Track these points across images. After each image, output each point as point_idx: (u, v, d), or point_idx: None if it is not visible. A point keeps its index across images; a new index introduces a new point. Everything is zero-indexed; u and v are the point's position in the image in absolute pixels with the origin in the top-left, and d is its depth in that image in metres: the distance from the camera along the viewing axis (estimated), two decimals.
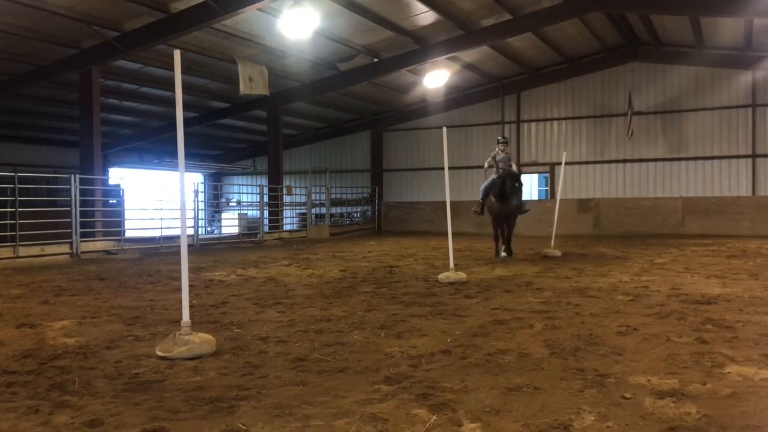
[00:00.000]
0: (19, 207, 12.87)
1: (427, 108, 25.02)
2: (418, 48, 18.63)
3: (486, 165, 12.98)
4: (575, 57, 22.62)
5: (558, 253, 13.03)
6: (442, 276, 9.26)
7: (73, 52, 15.48)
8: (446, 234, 10.10)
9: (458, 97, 24.53)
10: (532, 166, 24.49)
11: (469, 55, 20.35)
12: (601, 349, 4.85)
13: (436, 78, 21.30)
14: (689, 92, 22.12)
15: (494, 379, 4.12)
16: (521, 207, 12.74)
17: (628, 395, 3.72)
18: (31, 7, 12.74)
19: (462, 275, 9.24)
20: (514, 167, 12.82)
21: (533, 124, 24.44)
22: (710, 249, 14.39)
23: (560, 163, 15.22)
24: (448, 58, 19.72)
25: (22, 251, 12.51)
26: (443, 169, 10.17)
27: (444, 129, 9.90)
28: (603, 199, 22.15)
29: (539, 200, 24.39)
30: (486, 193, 12.73)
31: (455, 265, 9.58)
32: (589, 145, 23.54)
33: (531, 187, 25.70)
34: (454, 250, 9.83)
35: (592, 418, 3.37)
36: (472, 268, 10.80)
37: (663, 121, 22.51)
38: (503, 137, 13.39)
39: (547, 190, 24.81)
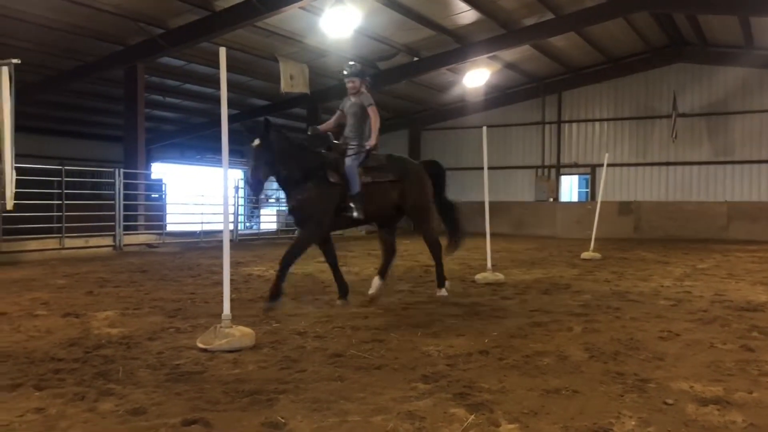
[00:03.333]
0: (65, 200, 13.20)
1: (466, 107, 24.89)
2: (459, 47, 18.55)
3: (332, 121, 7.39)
4: (619, 57, 22.26)
5: (597, 255, 12.84)
6: (479, 276, 9.21)
7: (119, 48, 15.81)
8: (483, 234, 10.04)
9: (498, 97, 24.34)
10: (573, 167, 24.20)
11: (510, 54, 20.19)
12: (642, 354, 4.77)
13: (476, 77, 21.18)
14: (736, 94, 21.58)
15: (532, 380, 4.09)
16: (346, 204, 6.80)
17: (670, 401, 3.65)
18: (81, 4, 13.06)
19: (499, 276, 9.19)
20: (372, 134, 7.09)
21: (574, 125, 24.12)
22: (756, 255, 14.01)
23: (601, 165, 14.99)
24: (488, 57, 19.59)
25: (68, 243, 12.84)
26: (481, 169, 10.12)
27: (484, 128, 9.84)
28: (644, 202, 21.75)
29: (579, 202, 24.08)
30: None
31: (492, 265, 9.52)
32: (631, 146, 23.14)
33: (571, 188, 25.41)
34: (491, 251, 9.77)
35: (633, 423, 3.31)
36: (509, 269, 10.72)
37: (708, 123, 22.00)
38: (348, 67, 7.18)
39: (587, 192, 24.47)
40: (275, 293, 6.44)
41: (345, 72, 7.16)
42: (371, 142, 7.07)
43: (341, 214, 6.80)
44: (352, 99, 7.18)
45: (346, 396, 3.75)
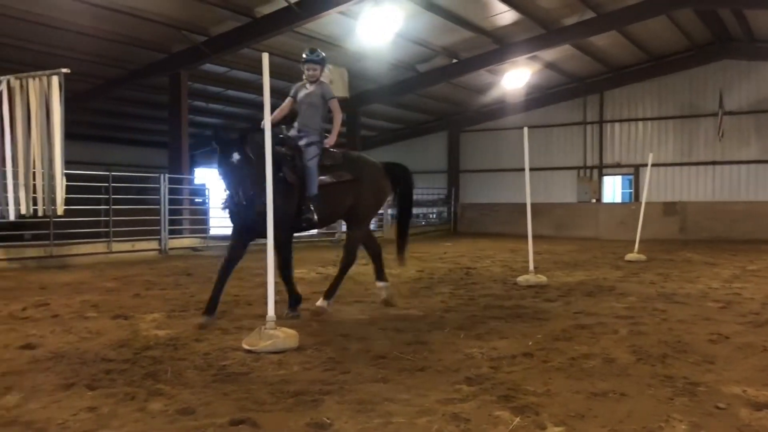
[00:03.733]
0: (112, 205, 13.52)
1: (506, 108, 24.69)
2: (498, 48, 18.42)
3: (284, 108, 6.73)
4: (662, 55, 21.82)
5: (642, 257, 12.60)
6: (521, 279, 9.13)
7: (163, 56, 16.14)
8: (523, 236, 9.96)
9: (538, 97, 24.09)
10: (616, 167, 23.80)
11: (550, 54, 19.96)
12: (691, 357, 4.67)
13: (515, 78, 21.00)
14: None
15: (578, 383, 4.04)
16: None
17: (722, 405, 3.57)
18: (126, 14, 13.38)
19: (542, 278, 9.09)
20: (332, 130, 6.71)
21: (617, 125, 23.72)
22: None
23: (645, 165, 14.71)
24: (528, 58, 19.41)
25: (115, 247, 13.15)
26: (521, 170, 10.04)
27: (525, 129, 9.76)
28: (690, 202, 21.24)
29: (623, 203, 23.67)
30: None
31: (535, 267, 9.43)
32: (676, 146, 22.65)
33: (614, 189, 24.99)
34: (533, 252, 9.67)
35: (684, 427, 3.25)
36: (552, 271, 10.59)
37: (756, 121, 21.38)
38: (309, 52, 6.51)
39: (631, 192, 24.03)
40: (295, 299, 6.47)
41: (306, 56, 6.47)
42: (331, 140, 6.57)
43: (296, 218, 6.27)
44: (309, 87, 6.50)
45: (391, 397, 3.76)
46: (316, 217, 6.25)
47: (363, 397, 3.76)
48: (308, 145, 6.35)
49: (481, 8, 15.97)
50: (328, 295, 6.80)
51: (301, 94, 6.52)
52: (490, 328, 5.82)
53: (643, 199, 14.19)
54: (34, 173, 10.07)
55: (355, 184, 6.59)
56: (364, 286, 8.83)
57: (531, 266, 9.36)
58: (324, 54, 6.58)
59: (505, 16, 16.51)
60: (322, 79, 6.60)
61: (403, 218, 7.63)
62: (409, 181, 7.45)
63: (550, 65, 21.18)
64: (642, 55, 21.51)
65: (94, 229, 13.28)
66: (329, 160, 6.49)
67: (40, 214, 10.33)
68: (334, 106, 6.55)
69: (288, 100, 6.61)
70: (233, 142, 5.78)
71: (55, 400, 3.71)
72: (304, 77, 6.58)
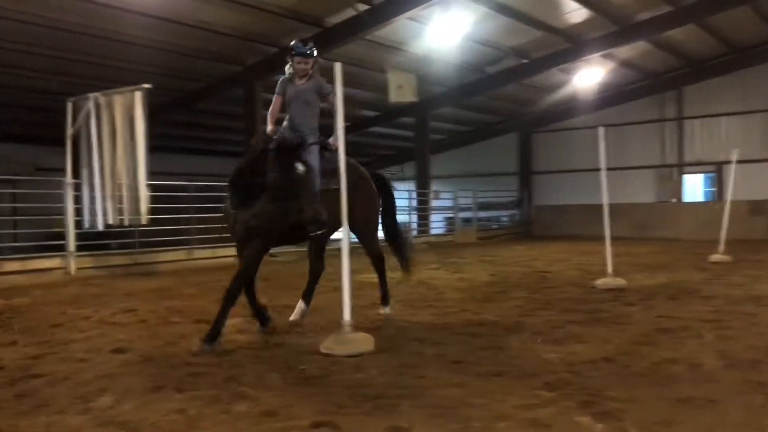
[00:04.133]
0: (193, 213, 14.01)
1: (579, 107, 24.15)
2: (570, 46, 18.06)
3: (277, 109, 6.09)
4: (745, 46, 20.83)
5: (728, 258, 12.06)
6: (599, 282, 8.91)
7: (238, 69, 16.62)
8: (600, 238, 9.71)
9: (612, 95, 23.45)
10: (697, 165, 22.89)
11: (625, 51, 19.40)
12: None
13: (588, 76, 20.53)
14: None
15: (662, 389, 3.92)
16: (316, 218, 5.65)
17: None
18: (201, 29, 13.86)
19: (621, 281, 8.84)
20: (338, 127, 5.87)
21: (697, 121, 22.80)
22: None
23: (729, 162, 14.09)
24: (601, 56, 18.94)
25: (196, 253, 13.61)
26: (596, 170, 9.80)
27: (600, 129, 9.53)
28: None
29: (705, 202, 22.73)
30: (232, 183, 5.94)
31: (613, 270, 9.17)
32: (762, 141, 21.55)
33: (695, 188, 24.03)
34: (611, 255, 9.40)
35: None
36: (631, 274, 10.26)
37: None
38: (300, 44, 5.95)
39: (713, 191, 23.05)
40: (215, 334, 5.27)
41: (298, 50, 5.80)
42: (334, 141, 5.87)
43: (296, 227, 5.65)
44: (301, 83, 5.87)
45: (468, 402, 3.75)
46: (324, 215, 5.61)
47: (440, 402, 3.77)
48: (311, 146, 5.82)
49: (552, 7, 15.71)
50: (385, 301, 6.98)
51: (292, 90, 5.89)
52: (568, 333, 5.71)
53: (728, 197, 13.60)
54: (119, 185, 10.60)
55: (354, 191, 5.83)
56: (436, 291, 8.82)
57: (609, 269, 9.12)
58: (314, 46, 5.92)
59: (577, 14, 16.18)
60: (315, 74, 6.00)
61: (392, 230, 7.19)
62: (391, 192, 7.11)
63: (624, 62, 20.59)
64: (723, 48, 20.62)
65: (176, 237, 13.79)
66: (330, 164, 5.82)
67: (125, 223, 10.86)
68: (332, 101, 5.83)
69: (277, 98, 5.95)
70: (294, 151, 5.36)
71: (146, 401, 3.88)
72: (289, 70, 5.92)
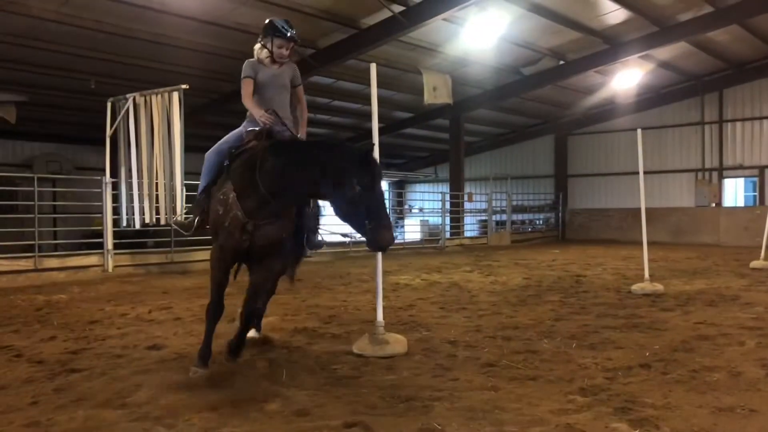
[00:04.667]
0: None
1: (616, 110, 23.79)
2: (608, 48, 17.79)
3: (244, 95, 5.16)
4: None
5: None
6: (635, 287, 8.76)
7: None
8: (636, 243, 9.57)
9: (651, 97, 23.05)
10: (737, 169, 22.37)
11: (664, 52, 19.05)
12: None
13: (626, 78, 20.21)
14: None
15: (701, 397, 3.83)
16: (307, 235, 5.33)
17: None
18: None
19: (658, 286, 8.68)
20: (299, 123, 5.39)
21: (738, 124, 22.29)
22: None
23: None
24: (640, 57, 18.62)
25: None
26: (633, 173, 9.64)
27: (639, 131, 9.37)
28: None
29: (746, 207, 22.19)
30: (212, 179, 5.21)
31: (650, 275, 9.00)
32: None
33: (736, 192, 23.49)
34: (648, 260, 9.24)
35: None
36: (668, 279, 10.08)
37: None
38: (286, 25, 5.11)
39: (755, 195, 22.50)
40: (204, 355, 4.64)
41: (283, 32, 5.05)
42: (303, 134, 5.30)
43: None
44: (275, 66, 5.13)
45: (501, 406, 3.71)
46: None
47: (473, 405, 3.74)
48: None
49: (590, 8, 15.49)
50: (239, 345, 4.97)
51: (266, 74, 5.10)
52: (603, 338, 5.62)
53: None
54: (156, 184, 10.77)
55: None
56: (470, 294, 8.77)
57: (646, 274, 8.95)
58: (290, 26, 5.14)
59: (616, 14, 15.93)
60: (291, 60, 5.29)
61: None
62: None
63: (663, 64, 20.21)
64: (766, 50, 20.12)
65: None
66: None
67: (162, 222, 11.02)
68: (301, 93, 5.35)
69: (248, 81, 5.09)
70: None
71: (181, 398, 3.92)
72: (260, 52, 5.17)
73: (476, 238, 22.34)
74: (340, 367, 4.65)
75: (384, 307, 5.41)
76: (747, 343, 5.33)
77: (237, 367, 4.64)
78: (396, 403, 3.79)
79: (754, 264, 11.94)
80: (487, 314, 7.02)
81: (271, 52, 5.08)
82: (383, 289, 5.51)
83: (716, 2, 15.82)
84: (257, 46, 5.20)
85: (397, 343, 5.09)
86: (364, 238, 4.23)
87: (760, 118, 21.84)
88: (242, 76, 5.09)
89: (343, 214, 4.26)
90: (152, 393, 4.00)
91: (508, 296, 8.48)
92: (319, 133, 25.54)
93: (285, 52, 5.09)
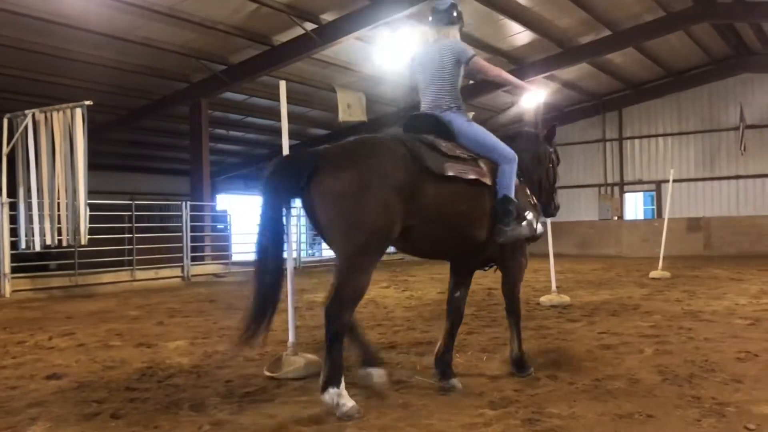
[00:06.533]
0: (136, 233, 13.68)
1: (525, 128, 24.66)
2: (515, 68, 18.46)
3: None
4: (680, 70, 21.73)
5: (667, 274, 12.44)
6: (543, 299, 9.05)
7: (184, 86, 16.42)
8: (545, 255, 9.88)
9: (557, 116, 24.06)
10: (637, 184, 23.62)
11: (568, 73, 19.98)
12: (719, 376, 4.58)
13: (533, 97, 20.99)
14: None
15: (604, 405, 3.99)
16: (507, 222, 4.47)
17: (751, 426, 3.50)
18: (146, 45, 13.66)
19: (565, 298, 9.00)
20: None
21: (636, 141, 23.60)
22: None
23: (667, 181, 14.61)
24: (545, 77, 19.44)
25: (139, 275, 13.28)
26: None
27: None
28: (714, 217, 20.98)
29: (645, 220, 23.43)
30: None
31: (557, 287, 9.34)
32: (697, 161, 22.45)
33: (636, 206, 24.78)
34: (556, 272, 9.59)
35: None
36: (575, 290, 10.49)
37: None
38: (441, 10, 4.91)
39: (653, 209, 23.82)
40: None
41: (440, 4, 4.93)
42: None
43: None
44: (426, 48, 4.96)
45: (413, 423, 3.74)
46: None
47: (386, 423, 3.74)
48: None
49: (498, 29, 16.06)
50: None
51: (417, 61, 5.01)
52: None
53: (666, 215, 14.06)
54: (58, 204, 10.28)
55: None
56: (386, 310, 8.81)
57: (553, 286, 9.28)
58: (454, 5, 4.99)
59: (522, 36, 16.59)
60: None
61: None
62: None
63: (567, 84, 21.18)
64: (660, 71, 21.44)
65: (117, 257, 13.43)
66: None
67: (64, 244, 10.51)
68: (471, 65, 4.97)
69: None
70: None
71: (81, 429, 3.73)
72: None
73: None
74: (251, 391, 4.55)
75: (299, 327, 5.35)
76: (646, 350, 5.60)
77: (143, 394, 4.47)
78: (307, 425, 3.74)
79: (653, 274, 12.60)
80: (401, 330, 7.07)
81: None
82: (299, 308, 5.45)
83: (614, 26, 16.75)
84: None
85: (311, 363, 5.04)
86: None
87: (656, 136, 23.19)
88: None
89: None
90: (49, 426, 3.79)
91: (422, 311, 8.57)
92: (232, 150, 25.17)
93: (434, 32, 5.00)
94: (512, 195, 4.50)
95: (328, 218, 3.94)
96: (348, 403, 3.80)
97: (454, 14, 4.92)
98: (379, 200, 3.82)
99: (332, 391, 3.80)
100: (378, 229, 3.87)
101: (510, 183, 4.52)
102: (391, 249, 5.64)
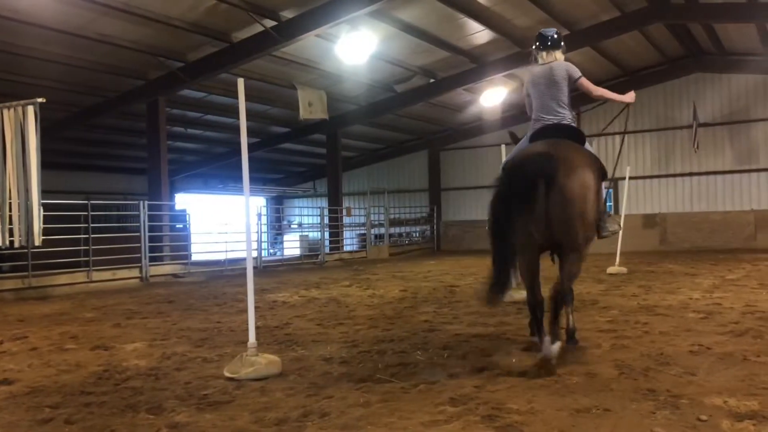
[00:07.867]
0: (92, 234, 13.38)
1: (485, 126, 24.90)
2: (475, 67, 18.62)
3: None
4: (636, 69, 22.16)
5: (624, 270, 12.69)
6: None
7: (140, 83, 16.11)
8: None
9: (516, 114, 24.29)
10: None
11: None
12: (673, 369, 4.69)
13: (493, 96, 21.21)
14: (758, 101, 21.31)
15: (562, 400, 4.04)
16: (599, 222, 5.60)
17: (704, 417, 3.58)
18: (101, 42, 13.36)
19: (524, 294, 9.09)
20: (570, 117, 5.88)
21: (594, 140, 23.92)
22: None
23: (623, 178, 14.89)
24: (504, 76, 19.63)
25: (95, 276, 12.99)
26: None
27: (503, 147, 9.85)
28: (669, 213, 21.49)
29: None
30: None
31: (517, 284, 9.42)
32: (653, 158, 22.94)
33: None
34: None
35: None
36: None
37: (730, 132, 21.74)
38: (548, 36, 5.98)
39: (610, 205, 24.24)
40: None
41: (546, 34, 6.05)
42: None
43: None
44: (539, 68, 5.97)
45: (374, 422, 3.73)
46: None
47: (346, 422, 3.73)
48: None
49: (457, 28, 16.15)
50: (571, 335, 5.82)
51: (530, 79, 6.06)
52: (473, 347, 5.81)
53: (623, 211, 14.34)
54: (10, 204, 9.97)
55: None
56: (348, 308, 8.80)
57: (514, 283, 9.35)
58: (558, 34, 6.06)
59: (481, 35, 16.70)
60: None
61: None
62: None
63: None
64: (616, 70, 21.83)
65: (73, 258, 13.12)
66: None
67: (17, 245, 10.21)
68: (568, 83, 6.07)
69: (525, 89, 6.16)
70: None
71: None
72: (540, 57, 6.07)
73: (355, 252, 22.51)
74: (210, 393, 4.49)
75: (259, 327, 5.31)
76: (603, 345, 5.70)
77: (99, 398, 4.37)
78: (268, 426, 3.71)
79: (610, 269, 12.84)
80: (363, 328, 7.06)
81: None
82: (260, 308, 5.40)
83: (571, 26, 16.99)
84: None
85: (271, 364, 5.00)
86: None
87: (612, 134, 23.59)
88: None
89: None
90: None
91: (384, 309, 8.59)
92: (191, 148, 24.81)
93: (544, 55, 6.03)
94: None
95: (578, 211, 5.04)
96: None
97: (559, 40, 6.01)
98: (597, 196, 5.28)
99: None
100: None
101: None
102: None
